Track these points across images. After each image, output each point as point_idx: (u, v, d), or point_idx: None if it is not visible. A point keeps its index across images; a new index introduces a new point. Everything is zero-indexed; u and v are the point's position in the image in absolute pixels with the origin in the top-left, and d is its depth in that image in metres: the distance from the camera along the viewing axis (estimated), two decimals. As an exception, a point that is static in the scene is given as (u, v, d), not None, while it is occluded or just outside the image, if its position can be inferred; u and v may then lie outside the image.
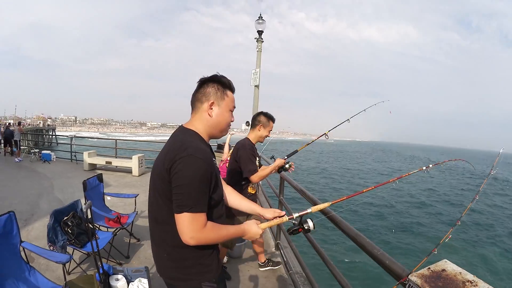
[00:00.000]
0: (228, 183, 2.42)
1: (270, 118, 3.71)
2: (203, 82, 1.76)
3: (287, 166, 3.69)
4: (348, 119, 3.85)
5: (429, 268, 1.29)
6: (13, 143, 15.05)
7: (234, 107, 1.84)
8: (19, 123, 17.93)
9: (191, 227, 1.52)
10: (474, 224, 18.04)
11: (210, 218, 1.65)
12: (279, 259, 4.49)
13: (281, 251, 4.53)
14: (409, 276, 1.29)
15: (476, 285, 1.14)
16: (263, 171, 3.56)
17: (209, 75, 1.77)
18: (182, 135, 1.72)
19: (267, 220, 1.96)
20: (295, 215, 1.90)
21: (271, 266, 4.25)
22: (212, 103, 1.73)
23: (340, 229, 2.14)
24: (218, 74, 1.78)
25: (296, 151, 3.94)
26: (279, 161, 3.69)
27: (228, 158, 5.79)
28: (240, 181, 3.54)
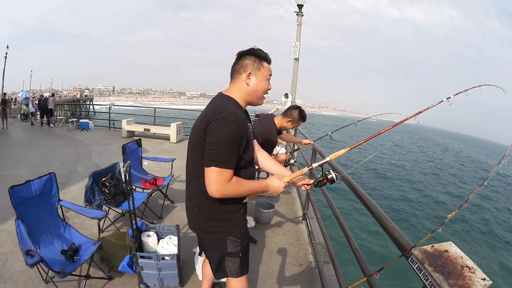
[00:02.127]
0: None
1: (302, 117, 3.79)
2: (241, 55, 1.91)
3: (292, 161, 3.77)
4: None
5: (433, 246, 1.32)
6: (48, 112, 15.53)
7: (271, 75, 1.98)
8: (53, 94, 18.84)
9: (217, 180, 1.67)
10: (483, 212, 18.07)
11: (241, 177, 1.82)
12: (305, 229, 4.64)
13: (308, 221, 4.65)
14: (412, 250, 1.34)
15: (474, 272, 1.14)
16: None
17: (246, 49, 1.92)
18: (220, 100, 1.89)
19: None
20: (315, 165, 2.05)
21: None
22: (250, 73, 1.89)
23: (359, 198, 2.18)
24: (254, 47, 1.92)
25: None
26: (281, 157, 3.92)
27: None
28: None
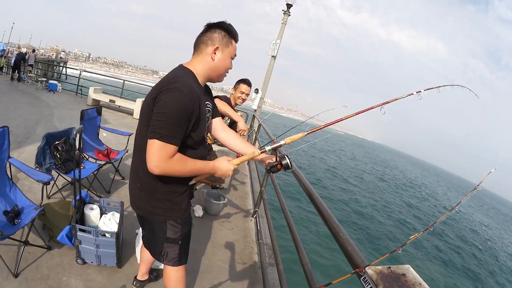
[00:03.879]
0: None
1: (242, 81, 3.94)
2: (211, 27, 1.80)
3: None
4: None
5: (389, 267, 1.23)
6: (23, 68, 15.03)
7: (235, 56, 1.90)
8: (33, 50, 18.51)
9: (158, 155, 1.55)
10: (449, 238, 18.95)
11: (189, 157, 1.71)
12: (253, 227, 4.59)
13: (257, 219, 4.57)
14: (366, 268, 1.25)
15: None
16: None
17: (217, 21, 1.81)
18: (177, 71, 1.77)
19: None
20: (267, 147, 1.88)
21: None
22: (217, 48, 1.78)
23: (312, 201, 2.10)
24: (226, 22, 1.81)
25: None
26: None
27: None
28: None
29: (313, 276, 1.99)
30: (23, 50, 18.59)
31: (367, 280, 1.22)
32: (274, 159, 1.94)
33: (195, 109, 1.63)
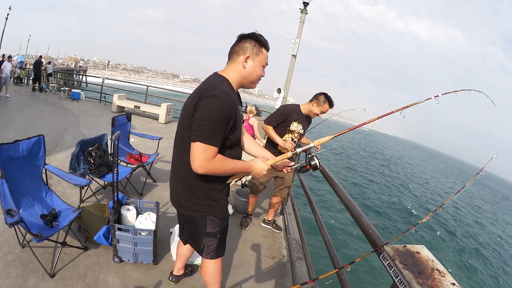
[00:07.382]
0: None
1: (329, 101, 3.76)
2: (242, 38, 1.93)
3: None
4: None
5: (405, 246, 1.35)
6: (43, 79, 15.64)
7: (267, 64, 2.00)
8: (49, 62, 19.53)
9: (201, 156, 1.69)
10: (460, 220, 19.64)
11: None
12: (281, 223, 4.68)
13: (285, 216, 4.68)
14: (385, 247, 1.37)
15: (444, 276, 1.17)
16: (272, 132, 3.76)
17: (248, 32, 1.93)
18: (213, 78, 1.91)
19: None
20: (299, 150, 2.08)
21: (272, 227, 4.47)
22: (248, 57, 1.90)
23: (337, 194, 2.25)
24: (256, 32, 1.93)
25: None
26: (287, 144, 3.69)
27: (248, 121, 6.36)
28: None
29: (337, 257, 2.15)
30: (42, 60, 19.50)
31: (385, 257, 1.35)
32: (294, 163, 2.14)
33: (232, 113, 1.77)
